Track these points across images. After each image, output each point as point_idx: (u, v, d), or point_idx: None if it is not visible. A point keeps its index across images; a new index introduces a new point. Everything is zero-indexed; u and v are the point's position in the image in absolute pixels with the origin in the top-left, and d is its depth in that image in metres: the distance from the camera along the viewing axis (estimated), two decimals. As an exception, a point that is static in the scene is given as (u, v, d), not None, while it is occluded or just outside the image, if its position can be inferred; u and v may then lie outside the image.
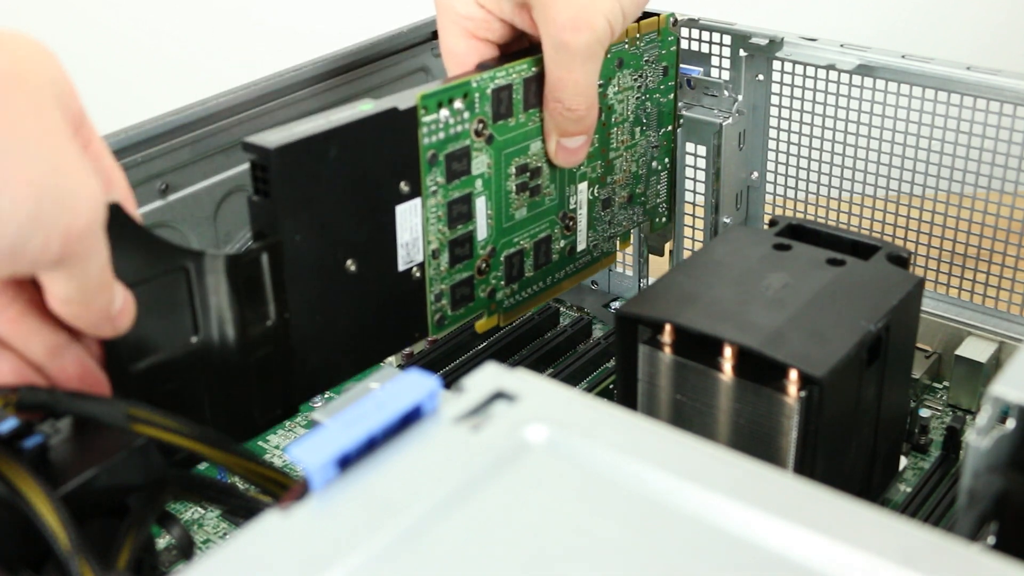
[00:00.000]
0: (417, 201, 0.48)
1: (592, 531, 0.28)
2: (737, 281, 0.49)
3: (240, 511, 0.39)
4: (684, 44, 0.65)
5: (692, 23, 0.64)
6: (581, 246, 0.59)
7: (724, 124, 0.63)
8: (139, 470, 0.36)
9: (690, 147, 0.65)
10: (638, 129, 0.60)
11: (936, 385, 0.62)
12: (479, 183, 0.51)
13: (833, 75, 0.62)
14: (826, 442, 0.45)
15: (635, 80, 0.58)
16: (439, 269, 0.51)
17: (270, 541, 0.27)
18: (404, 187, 0.48)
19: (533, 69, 0.52)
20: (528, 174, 0.54)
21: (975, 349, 0.60)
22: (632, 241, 0.64)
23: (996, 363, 0.60)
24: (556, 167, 0.55)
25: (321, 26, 1.18)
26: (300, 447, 0.29)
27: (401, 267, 0.49)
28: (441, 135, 0.49)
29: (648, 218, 0.63)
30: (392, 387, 0.31)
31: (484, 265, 0.53)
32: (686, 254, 0.67)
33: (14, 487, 0.32)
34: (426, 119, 0.48)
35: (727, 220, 0.66)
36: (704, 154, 0.65)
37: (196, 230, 0.56)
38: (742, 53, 0.63)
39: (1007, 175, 0.59)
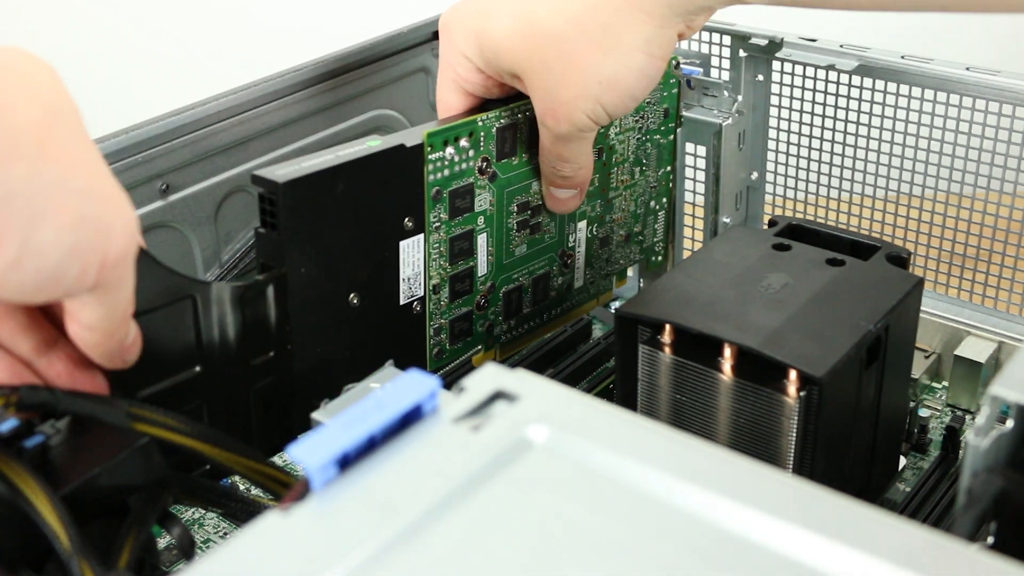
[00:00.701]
0: (420, 237, 0.49)
1: (592, 531, 0.28)
2: (737, 281, 0.49)
3: (240, 514, 0.39)
4: (684, 44, 0.65)
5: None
6: (579, 283, 0.60)
7: (724, 124, 0.63)
8: (140, 470, 0.36)
9: (690, 147, 0.65)
10: (638, 169, 0.60)
11: (935, 385, 0.62)
12: (481, 220, 0.52)
13: (833, 75, 0.62)
14: (825, 442, 0.45)
15: (636, 122, 0.59)
16: (439, 304, 0.51)
17: (270, 541, 0.27)
18: (408, 223, 0.48)
19: None
20: (529, 212, 0.55)
21: (974, 349, 0.60)
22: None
23: (995, 363, 0.60)
24: None
25: (321, 26, 1.18)
26: (300, 447, 0.29)
27: (402, 301, 0.49)
28: (446, 172, 0.49)
29: (644, 257, 0.63)
30: (392, 387, 0.31)
31: (483, 300, 0.54)
32: (686, 254, 0.67)
33: (15, 487, 0.33)
34: (432, 156, 0.49)
35: (727, 220, 0.66)
36: (704, 154, 0.65)
37: (196, 230, 0.56)
38: (742, 53, 0.63)
39: (1007, 175, 0.59)
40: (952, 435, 0.56)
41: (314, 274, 0.45)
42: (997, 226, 0.60)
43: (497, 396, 0.32)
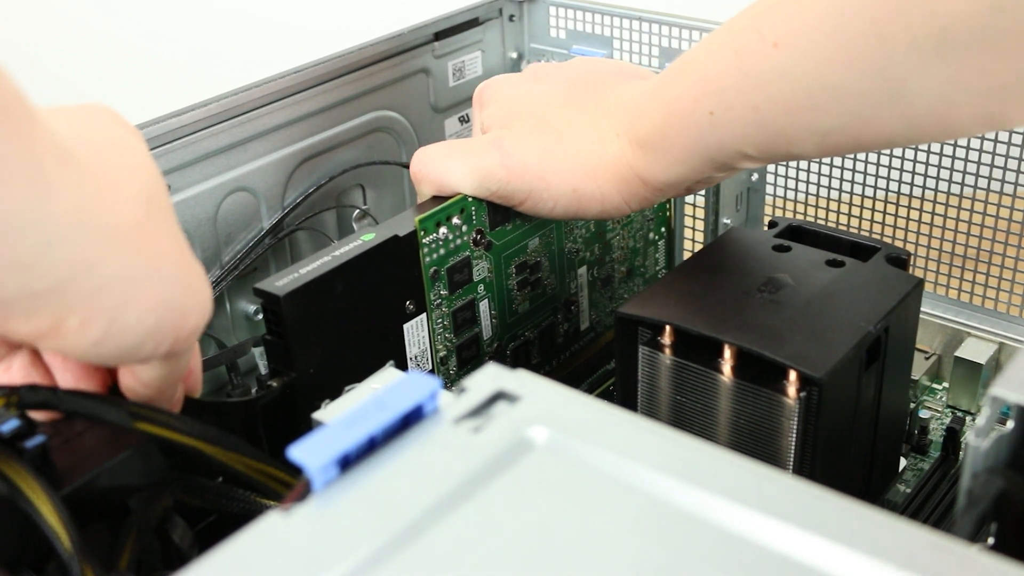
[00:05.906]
0: (423, 316, 0.50)
1: (592, 532, 0.28)
2: (737, 282, 0.49)
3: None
4: (685, 45, 0.65)
5: (690, 23, 0.64)
6: (584, 325, 0.60)
7: (724, 125, 0.63)
8: (141, 470, 0.36)
9: (690, 148, 0.65)
10: None
11: (935, 386, 0.62)
12: (481, 288, 0.53)
13: (833, 76, 0.62)
14: (825, 443, 0.45)
15: None
16: (448, 373, 0.52)
17: (271, 541, 0.27)
18: (410, 306, 0.49)
19: None
20: (528, 270, 0.55)
21: (975, 350, 0.60)
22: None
23: (996, 364, 0.60)
24: (555, 258, 0.56)
25: (321, 27, 1.18)
26: (301, 447, 0.29)
27: None
28: (442, 252, 0.50)
29: (648, 286, 0.63)
30: (393, 388, 0.31)
31: (490, 361, 0.54)
32: (686, 255, 0.67)
33: (16, 487, 0.33)
34: (426, 240, 0.49)
35: (727, 221, 0.66)
36: (704, 155, 0.65)
37: (196, 231, 0.56)
38: (742, 54, 0.63)
39: (1007, 175, 0.59)
40: (952, 436, 0.56)
41: (323, 372, 0.46)
42: (997, 226, 0.60)
43: (498, 397, 0.32)
